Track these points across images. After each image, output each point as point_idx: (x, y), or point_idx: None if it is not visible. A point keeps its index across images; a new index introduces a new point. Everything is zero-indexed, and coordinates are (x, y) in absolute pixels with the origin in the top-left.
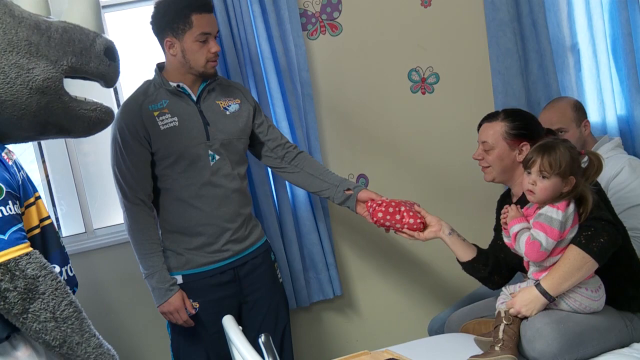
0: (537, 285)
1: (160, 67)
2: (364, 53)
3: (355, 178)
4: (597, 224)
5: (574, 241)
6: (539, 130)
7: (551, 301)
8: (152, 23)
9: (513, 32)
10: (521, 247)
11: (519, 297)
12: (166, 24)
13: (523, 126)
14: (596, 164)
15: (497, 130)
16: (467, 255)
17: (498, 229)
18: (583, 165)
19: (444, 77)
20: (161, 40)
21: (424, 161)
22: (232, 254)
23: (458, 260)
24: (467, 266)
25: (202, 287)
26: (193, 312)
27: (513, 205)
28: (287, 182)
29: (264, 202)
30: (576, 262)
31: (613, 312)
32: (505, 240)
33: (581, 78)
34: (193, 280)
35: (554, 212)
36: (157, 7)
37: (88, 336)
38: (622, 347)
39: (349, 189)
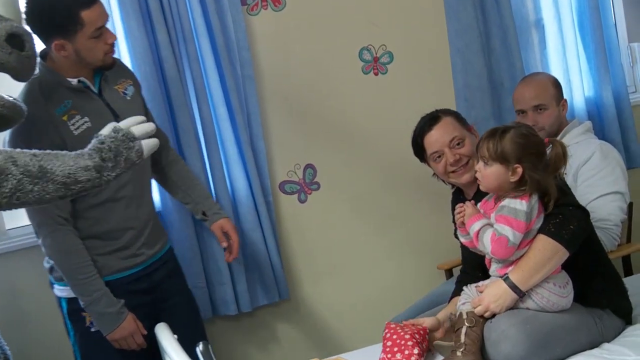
0: (506, 279)
1: (42, 56)
2: (310, 30)
3: (302, 168)
4: (565, 211)
5: (542, 230)
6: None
7: (520, 296)
8: (30, 23)
9: (473, 5)
10: (486, 245)
11: (486, 292)
12: (52, 27)
13: (459, 115)
14: (560, 155)
15: (454, 123)
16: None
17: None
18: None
19: (398, 56)
20: (46, 42)
21: (379, 149)
22: (146, 258)
23: None
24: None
25: (118, 296)
26: (145, 332)
27: (468, 202)
28: (226, 173)
29: None
30: (546, 252)
31: (581, 310)
32: (462, 239)
33: (546, 56)
34: (110, 289)
35: (517, 203)
36: (33, 5)
37: None
38: (592, 347)
39: (205, 214)
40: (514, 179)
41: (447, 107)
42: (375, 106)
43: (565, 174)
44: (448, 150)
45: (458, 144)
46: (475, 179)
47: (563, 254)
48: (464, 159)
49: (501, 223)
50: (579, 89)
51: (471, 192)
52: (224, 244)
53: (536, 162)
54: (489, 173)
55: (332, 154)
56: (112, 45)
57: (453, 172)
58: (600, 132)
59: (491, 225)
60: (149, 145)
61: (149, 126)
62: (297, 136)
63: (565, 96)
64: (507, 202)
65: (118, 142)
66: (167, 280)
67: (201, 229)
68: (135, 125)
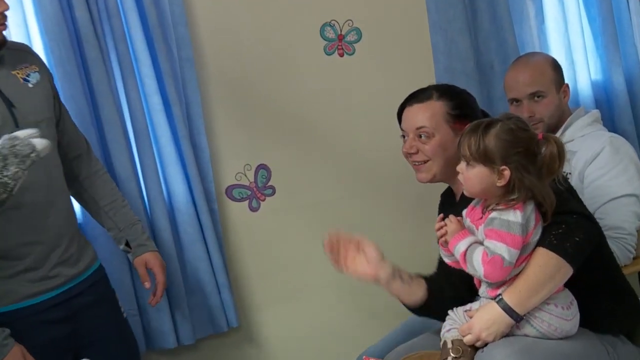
0: (499, 300)
1: None
2: (261, 2)
3: (254, 170)
4: (568, 219)
5: (542, 243)
6: (478, 110)
7: (518, 321)
8: None
9: None
10: (477, 268)
11: (476, 318)
12: None
13: (464, 104)
14: (555, 155)
15: (436, 111)
16: (416, 296)
17: None
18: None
19: (367, 33)
20: None
21: (346, 146)
22: (65, 280)
23: (404, 305)
24: (419, 311)
25: (27, 328)
26: None
27: (452, 217)
28: (160, 176)
29: (129, 202)
30: (548, 268)
31: (590, 336)
32: (446, 260)
33: (545, 32)
34: (15, 320)
35: (510, 214)
36: None
37: None
38: None
39: (128, 245)
40: (500, 183)
41: (451, 84)
42: (341, 94)
43: (570, 173)
44: (411, 137)
45: (421, 136)
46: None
47: (566, 271)
48: (419, 156)
49: (493, 239)
50: (584, 71)
51: (458, 192)
52: (147, 285)
53: (526, 164)
54: (471, 175)
55: (290, 152)
56: (3, 15)
57: (413, 164)
58: (610, 123)
59: (480, 242)
60: (42, 143)
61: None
62: (247, 131)
63: (567, 80)
64: (497, 213)
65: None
66: (94, 307)
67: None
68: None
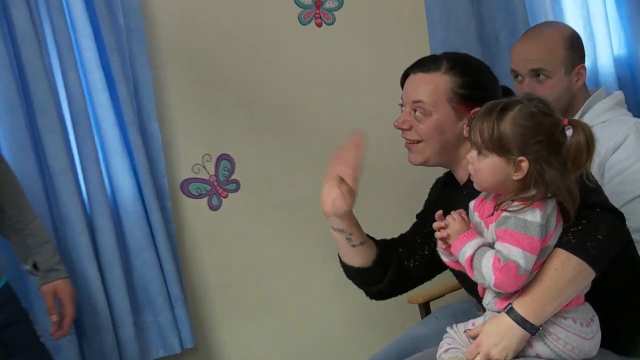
0: (510, 311)
1: None
2: None
3: (214, 161)
4: (590, 214)
5: (559, 242)
6: (496, 91)
7: (533, 333)
8: None
9: None
10: (486, 276)
11: (484, 332)
12: None
13: (477, 83)
14: (582, 145)
15: (439, 85)
16: (360, 257)
17: (424, 216)
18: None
19: None
20: None
21: (323, 132)
22: None
23: (340, 259)
24: (355, 272)
25: None
26: None
27: (455, 214)
28: (103, 168)
29: (65, 199)
30: (566, 271)
31: (613, 358)
32: (445, 259)
33: (559, 1)
34: None
35: (528, 213)
36: None
37: None
38: None
39: (35, 267)
40: (517, 176)
41: (469, 55)
42: (318, 71)
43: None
44: (407, 110)
45: (417, 110)
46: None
47: (587, 274)
48: (411, 134)
49: (507, 242)
50: (605, 45)
51: (462, 178)
52: (55, 318)
53: (547, 155)
54: (483, 167)
55: (258, 140)
56: None
57: (403, 136)
58: (636, 106)
59: (489, 245)
60: None
61: None
62: (206, 114)
63: (586, 55)
64: (512, 211)
65: None
66: (3, 331)
67: (57, 248)
68: None
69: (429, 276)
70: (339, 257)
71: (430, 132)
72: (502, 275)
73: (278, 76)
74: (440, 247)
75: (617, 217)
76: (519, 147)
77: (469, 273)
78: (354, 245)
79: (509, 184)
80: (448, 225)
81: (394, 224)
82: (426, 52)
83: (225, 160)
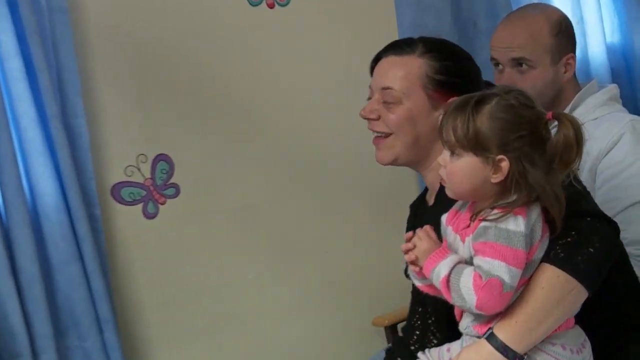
0: (490, 337)
1: None
2: None
3: (150, 162)
4: (581, 224)
5: (546, 257)
6: (478, 81)
7: None
8: None
9: None
10: (467, 296)
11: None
12: None
13: (456, 69)
14: (571, 140)
15: (413, 70)
16: None
17: None
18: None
19: None
20: None
21: (279, 128)
22: None
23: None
24: None
25: None
26: None
27: (421, 231)
28: (22, 170)
29: None
30: (553, 290)
31: None
32: (417, 283)
33: None
34: None
35: (510, 222)
36: None
37: None
38: None
39: None
40: (496, 178)
41: (447, 40)
42: (271, 59)
43: (578, 169)
44: (375, 98)
45: (386, 101)
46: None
47: (579, 293)
48: (379, 125)
49: (488, 256)
50: (596, 31)
51: (433, 188)
52: None
53: (530, 153)
54: (457, 169)
55: (201, 138)
56: None
57: (369, 128)
58: (632, 100)
59: (465, 262)
60: None
61: None
62: (142, 109)
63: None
64: (491, 220)
65: None
66: None
67: None
68: None
69: None
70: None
71: (401, 123)
72: (485, 294)
73: (225, 65)
74: (412, 270)
75: (610, 227)
76: (499, 144)
77: (446, 296)
78: None
79: (487, 188)
80: (415, 245)
81: (359, 233)
82: (394, 36)
83: (163, 161)
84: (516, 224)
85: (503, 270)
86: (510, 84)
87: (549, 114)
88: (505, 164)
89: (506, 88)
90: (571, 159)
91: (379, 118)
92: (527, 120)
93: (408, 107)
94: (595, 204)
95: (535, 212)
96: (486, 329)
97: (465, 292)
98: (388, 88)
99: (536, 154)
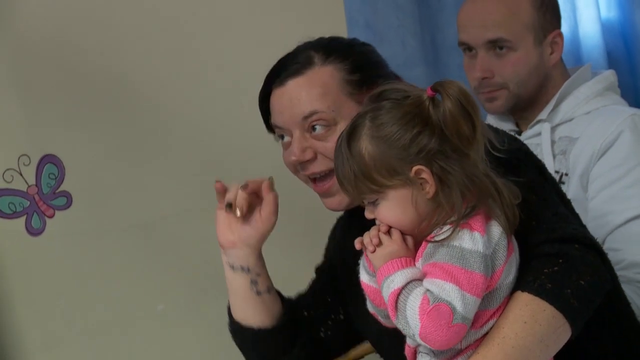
0: None
1: None
2: None
3: (35, 166)
4: (569, 249)
5: (528, 286)
6: (386, 66)
7: None
8: None
9: None
10: (410, 321)
11: None
12: None
13: (365, 61)
14: (454, 111)
15: (327, 81)
16: (264, 312)
17: (329, 267)
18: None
19: None
20: None
21: (193, 129)
22: None
23: (231, 318)
24: (253, 338)
25: None
26: None
27: (396, 232)
28: None
29: None
30: (538, 326)
31: None
32: (363, 277)
33: None
34: None
35: (466, 239)
36: None
37: None
38: None
39: None
40: (429, 192)
41: (333, 36)
42: (186, 47)
43: (565, 174)
44: (298, 134)
45: (315, 128)
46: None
47: (563, 333)
48: (320, 164)
49: (438, 278)
50: (589, 5)
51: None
52: None
53: (438, 145)
54: (386, 214)
55: (98, 136)
56: None
57: (310, 178)
58: (632, 92)
59: (420, 281)
60: None
61: None
62: (25, 102)
63: (563, 20)
64: (442, 238)
65: None
66: None
67: None
68: None
69: (345, 348)
70: (230, 315)
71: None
72: (430, 322)
73: (126, 51)
74: (366, 292)
75: (601, 257)
76: (400, 158)
77: (390, 313)
78: (258, 293)
79: (423, 210)
80: (382, 243)
81: (287, 251)
82: (341, 15)
83: (51, 164)
84: (472, 242)
85: (454, 296)
86: (485, 70)
87: (428, 90)
88: (425, 173)
89: (372, 96)
90: (466, 132)
91: (316, 156)
92: (412, 113)
93: (343, 125)
94: (580, 223)
95: (497, 230)
96: None
97: (410, 316)
98: (313, 113)
99: (443, 145)
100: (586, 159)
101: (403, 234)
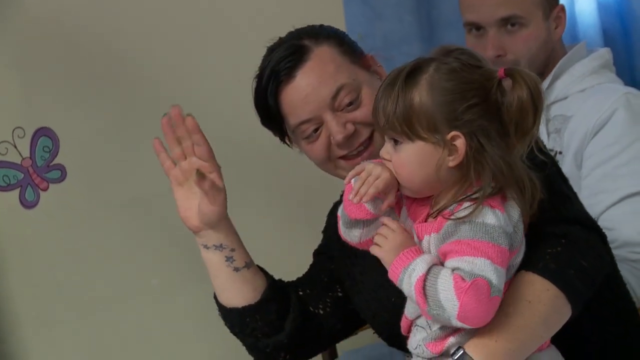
0: (462, 357)
1: None
2: None
3: (30, 138)
4: (572, 230)
5: (532, 265)
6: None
7: None
8: None
9: None
10: (445, 303)
11: None
12: None
13: (342, 35)
14: (526, 102)
15: (334, 58)
16: (247, 289)
17: (328, 249)
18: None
19: None
20: None
21: (190, 105)
22: None
23: (217, 302)
24: (240, 316)
25: None
26: None
27: (392, 222)
28: None
29: None
30: (542, 306)
31: None
32: (352, 240)
33: None
34: None
35: (488, 215)
36: None
37: None
38: None
39: None
40: (454, 161)
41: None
42: (183, 22)
43: (559, 152)
44: (331, 116)
45: (350, 103)
46: None
47: (565, 313)
48: (363, 131)
49: (466, 255)
50: None
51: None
52: None
53: (487, 124)
54: (404, 160)
55: (92, 109)
56: None
57: (346, 158)
58: (628, 70)
59: (440, 263)
60: None
61: None
62: (19, 73)
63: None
64: (461, 216)
65: None
66: None
67: None
68: None
69: (346, 329)
70: (216, 299)
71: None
72: (470, 299)
73: (121, 24)
74: (343, 211)
75: (601, 237)
76: (447, 119)
77: (419, 303)
78: (237, 269)
79: (445, 175)
80: (387, 237)
81: (277, 230)
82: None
83: (45, 136)
84: (496, 218)
85: (488, 269)
86: (498, 47)
87: (500, 71)
88: (460, 142)
89: (445, 49)
90: (528, 126)
91: (355, 128)
92: (477, 84)
93: (367, 91)
94: (580, 205)
95: (516, 212)
96: (442, 347)
97: (444, 298)
98: (340, 89)
99: (492, 124)
100: (580, 137)
101: (381, 195)
